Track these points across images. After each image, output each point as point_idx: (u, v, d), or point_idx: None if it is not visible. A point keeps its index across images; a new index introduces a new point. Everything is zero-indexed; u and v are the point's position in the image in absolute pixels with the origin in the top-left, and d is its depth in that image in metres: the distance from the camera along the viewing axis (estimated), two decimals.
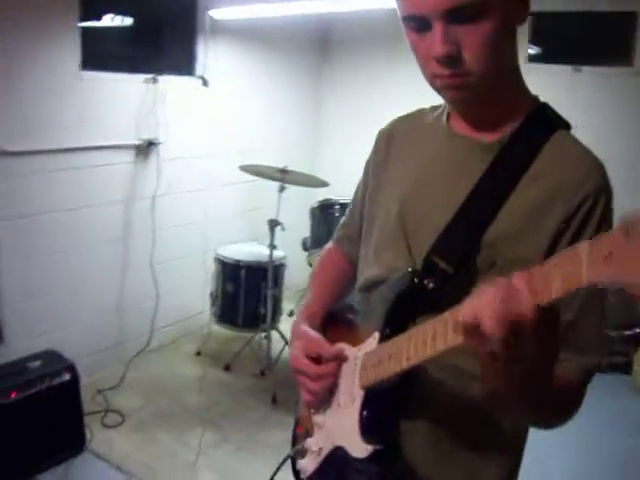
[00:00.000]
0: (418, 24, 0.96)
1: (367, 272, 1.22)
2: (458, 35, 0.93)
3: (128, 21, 3.72)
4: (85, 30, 3.33)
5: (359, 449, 1.05)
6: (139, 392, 3.61)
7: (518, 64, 1.07)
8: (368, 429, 1.06)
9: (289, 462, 1.31)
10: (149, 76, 3.68)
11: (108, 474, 2.87)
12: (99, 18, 3.56)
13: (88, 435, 3.03)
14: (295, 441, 1.34)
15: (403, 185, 1.16)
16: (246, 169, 3.75)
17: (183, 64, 4.01)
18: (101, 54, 3.55)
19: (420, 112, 1.25)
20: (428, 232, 1.08)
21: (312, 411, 1.24)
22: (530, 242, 1.01)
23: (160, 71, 3.74)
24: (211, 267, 4.01)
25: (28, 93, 3.11)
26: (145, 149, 3.76)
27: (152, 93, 3.71)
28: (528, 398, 0.95)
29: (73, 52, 3.28)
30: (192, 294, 4.16)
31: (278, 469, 1.27)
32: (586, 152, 1.05)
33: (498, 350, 0.77)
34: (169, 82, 3.80)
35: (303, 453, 1.24)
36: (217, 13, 3.73)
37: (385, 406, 1.09)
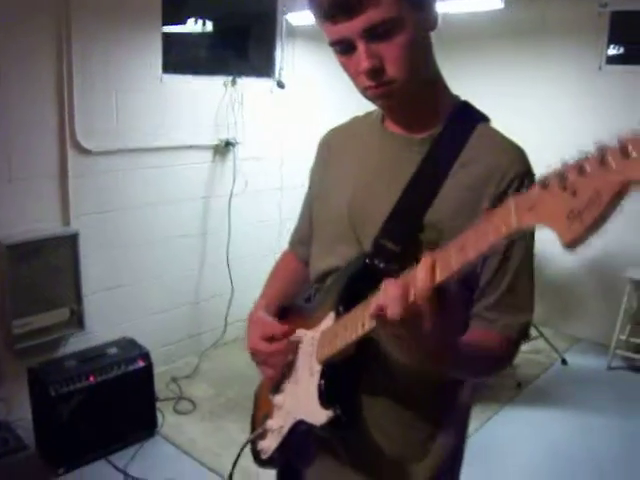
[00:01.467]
0: (344, 47, 1.10)
1: (322, 264, 1.31)
2: (379, 50, 1.07)
3: (209, 26, 3.87)
4: (166, 35, 3.50)
5: (319, 416, 1.12)
6: (211, 382, 3.76)
7: (437, 67, 1.19)
8: (326, 395, 1.13)
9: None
10: (228, 78, 3.82)
11: (176, 458, 3.01)
12: (181, 23, 3.73)
13: (160, 420, 3.20)
14: (254, 427, 1.43)
15: (348, 187, 1.27)
16: None
17: (261, 67, 4.13)
18: (182, 58, 3.73)
19: (355, 119, 1.40)
20: (374, 223, 1.18)
21: (271, 393, 1.32)
22: (467, 221, 1.08)
23: (239, 73, 3.87)
24: None
25: (111, 96, 3.31)
26: (223, 149, 3.91)
27: (230, 95, 3.86)
28: (442, 367, 1.05)
29: (155, 56, 3.46)
30: None
31: (239, 455, 1.34)
32: (507, 140, 1.18)
33: (401, 332, 0.88)
34: (247, 84, 3.92)
35: (263, 435, 1.33)
36: (294, 18, 3.81)
37: (342, 374, 1.16)
